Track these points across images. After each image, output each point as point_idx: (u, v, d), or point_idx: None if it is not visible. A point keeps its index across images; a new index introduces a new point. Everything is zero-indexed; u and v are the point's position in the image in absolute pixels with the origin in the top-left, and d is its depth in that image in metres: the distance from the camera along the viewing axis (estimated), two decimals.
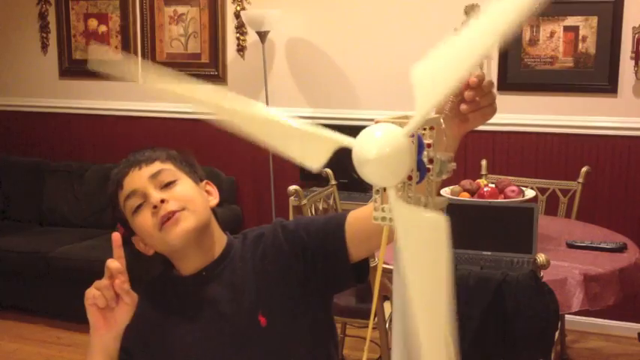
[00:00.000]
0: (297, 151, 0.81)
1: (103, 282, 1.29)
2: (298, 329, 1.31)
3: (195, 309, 1.32)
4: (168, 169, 1.32)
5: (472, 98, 0.98)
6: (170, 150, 1.38)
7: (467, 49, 0.69)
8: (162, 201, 1.27)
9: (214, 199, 1.39)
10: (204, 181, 1.40)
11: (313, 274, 1.30)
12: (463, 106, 0.99)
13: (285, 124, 0.82)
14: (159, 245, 1.31)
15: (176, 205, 1.28)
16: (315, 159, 0.80)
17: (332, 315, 1.43)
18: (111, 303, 1.29)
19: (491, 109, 1.02)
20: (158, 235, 1.28)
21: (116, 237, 1.31)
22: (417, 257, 0.71)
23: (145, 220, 1.29)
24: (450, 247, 0.70)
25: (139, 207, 1.29)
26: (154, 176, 1.30)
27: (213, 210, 1.37)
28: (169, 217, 1.27)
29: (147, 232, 1.29)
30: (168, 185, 1.30)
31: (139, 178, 1.30)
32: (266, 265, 1.32)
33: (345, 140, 0.76)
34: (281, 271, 1.30)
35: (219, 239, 1.37)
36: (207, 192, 1.39)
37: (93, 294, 1.29)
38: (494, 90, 1.02)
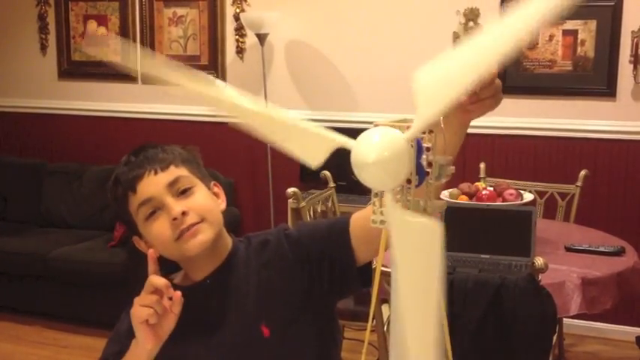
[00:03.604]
0: (297, 148, 0.81)
1: (151, 298, 1.18)
2: (302, 339, 1.29)
3: (196, 319, 1.28)
4: (184, 177, 1.27)
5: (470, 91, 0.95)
6: (181, 149, 1.32)
7: (476, 59, 0.66)
8: (183, 213, 1.22)
9: (222, 202, 1.34)
10: (212, 183, 1.35)
11: (319, 282, 1.27)
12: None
13: (287, 121, 0.83)
14: (173, 254, 1.26)
15: (196, 217, 1.23)
16: (314, 157, 0.80)
17: (338, 321, 1.41)
18: (162, 317, 1.19)
19: (493, 100, 0.97)
20: (174, 246, 1.23)
21: (152, 253, 1.23)
22: (410, 263, 0.71)
23: (161, 230, 1.23)
24: (443, 254, 0.69)
25: (152, 213, 1.24)
26: (172, 185, 1.24)
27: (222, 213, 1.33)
28: (189, 229, 1.23)
29: (162, 241, 1.24)
30: (184, 193, 1.25)
31: (155, 184, 1.24)
32: (270, 274, 1.29)
33: (344, 141, 0.76)
34: (285, 281, 1.28)
35: (227, 243, 1.34)
36: (216, 194, 1.34)
37: (145, 312, 1.17)
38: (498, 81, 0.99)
